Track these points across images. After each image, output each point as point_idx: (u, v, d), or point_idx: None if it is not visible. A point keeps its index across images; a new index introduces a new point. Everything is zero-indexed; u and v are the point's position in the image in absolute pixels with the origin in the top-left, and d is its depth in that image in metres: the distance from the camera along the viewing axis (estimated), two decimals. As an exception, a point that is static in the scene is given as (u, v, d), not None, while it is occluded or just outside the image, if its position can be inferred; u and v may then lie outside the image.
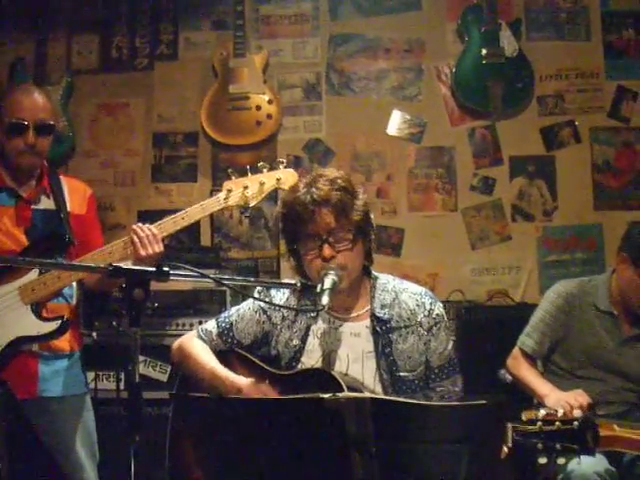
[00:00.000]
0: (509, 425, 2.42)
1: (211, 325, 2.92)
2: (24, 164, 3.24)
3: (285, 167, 3.22)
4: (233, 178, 3.24)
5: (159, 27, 5.49)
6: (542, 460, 2.39)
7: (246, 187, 3.20)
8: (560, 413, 2.39)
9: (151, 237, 3.13)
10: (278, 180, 3.19)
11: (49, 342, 3.16)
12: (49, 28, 5.35)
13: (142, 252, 3.09)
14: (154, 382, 4.25)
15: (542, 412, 2.42)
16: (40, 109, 3.22)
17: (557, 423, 2.36)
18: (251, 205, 3.23)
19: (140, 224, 3.18)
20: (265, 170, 3.22)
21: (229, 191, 3.22)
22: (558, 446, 2.36)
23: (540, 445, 2.37)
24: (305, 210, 2.66)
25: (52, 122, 3.28)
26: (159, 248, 3.13)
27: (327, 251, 2.64)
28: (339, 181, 2.70)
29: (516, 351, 3.55)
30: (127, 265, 2.17)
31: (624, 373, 3.43)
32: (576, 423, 2.35)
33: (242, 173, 3.26)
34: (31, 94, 3.25)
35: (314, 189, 2.66)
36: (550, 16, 5.27)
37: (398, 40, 5.34)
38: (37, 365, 3.19)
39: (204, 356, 2.81)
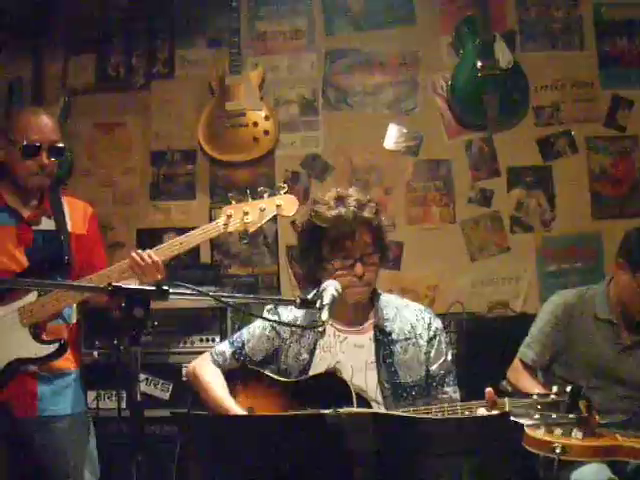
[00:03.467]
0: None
1: (224, 346, 3.05)
2: (35, 185, 3.27)
3: (286, 193, 3.20)
4: (233, 203, 3.23)
5: (155, 45, 5.51)
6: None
7: (246, 213, 3.18)
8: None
9: (151, 266, 3.14)
10: (278, 207, 3.17)
11: (47, 364, 3.16)
12: (46, 48, 5.37)
13: (144, 280, 3.11)
14: (156, 400, 4.24)
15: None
16: (51, 131, 3.27)
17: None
18: (250, 231, 3.21)
19: (140, 251, 3.18)
20: (265, 195, 3.20)
21: (229, 217, 3.20)
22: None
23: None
24: (348, 227, 2.83)
25: (63, 144, 3.32)
26: (161, 275, 3.15)
27: (359, 269, 2.83)
28: (373, 204, 2.92)
29: (516, 362, 3.56)
30: (127, 284, 2.17)
31: (625, 381, 3.43)
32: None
33: (242, 197, 3.25)
34: (40, 116, 3.29)
35: (355, 209, 2.84)
36: (544, 27, 5.28)
37: (393, 54, 5.35)
38: (36, 385, 3.20)
39: (218, 390, 2.90)
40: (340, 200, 2.87)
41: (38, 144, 3.21)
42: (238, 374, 2.93)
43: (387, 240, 2.96)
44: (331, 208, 2.87)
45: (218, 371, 2.97)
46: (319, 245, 2.90)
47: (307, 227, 2.96)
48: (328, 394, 2.33)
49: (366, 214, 2.85)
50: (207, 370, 2.97)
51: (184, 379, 3.07)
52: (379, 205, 2.96)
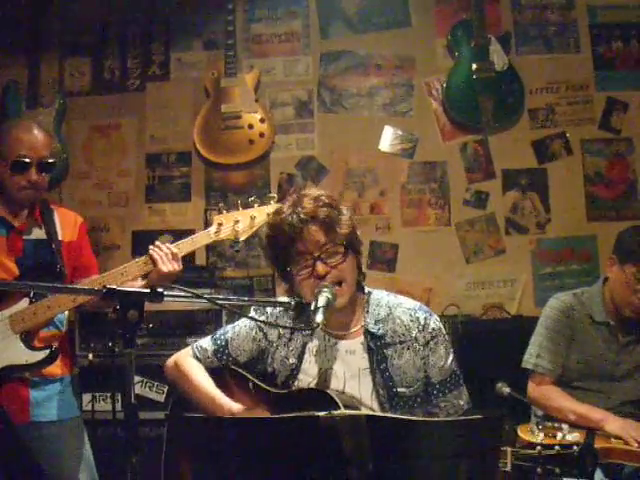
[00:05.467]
0: (508, 449, 2.43)
1: (206, 342, 2.91)
2: (24, 199, 3.28)
3: (276, 201, 3.27)
4: (224, 212, 3.30)
5: (150, 48, 5.51)
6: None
7: (237, 221, 3.27)
8: (559, 437, 2.39)
9: (169, 255, 3.22)
10: (269, 215, 3.20)
11: (39, 370, 3.17)
12: (41, 51, 5.37)
13: (164, 268, 3.18)
14: (151, 402, 4.24)
15: (541, 435, 2.42)
16: (41, 147, 3.27)
17: (556, 447, 2.37)
18: (241, 239, 3.29)
19: (158, 242, 3.26)
20: (256, 205, 3.28)
21: (220, 225, 3.29)
22: (557, 470, 2.36)
23: (539, 469, 2.37)
24: (293, 229, 2.64)
25: (53, 160, 3.32)
26: (179, 266, 3.24)
27: (320, 268, 2.63)
28: (323, 198, 2.70)
29: (537, 379, 3.50)
30: (120, 287, 2.17)
31: (622, 380, 3.42)
32: (576, 448, 2.35)
33: (233, 207, 3.32)
34: (31, 131, 3.28)
35: (300, 208, 2.66)
36: (539, 29, 5.30)
37: (389, 56, 5.36)
38: (28, 391, 3.20)
39: (199, 377, 2.81)
40: (296, 203, 2.69)
41: (27, 160, 3.21)
42: (217, 378, 2.86)
43: (349, 230, 2.69)
44: (278, 214, 2.73)
45: (200, 364, 2.86)
46: (276, 255, 2.75)
47: (268, 241, 2.79)
48: (314, 408, 2.26)
49: (309, 210, 2.64)
50: (190, 363, 2.86)
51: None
52: (334, 199, 2.73)
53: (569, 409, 3.31)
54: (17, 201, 3.28)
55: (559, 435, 2.41)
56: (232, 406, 2.67)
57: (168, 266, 3.19)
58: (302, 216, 2.64)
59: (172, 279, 3.19)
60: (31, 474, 3.21)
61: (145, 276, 3.28)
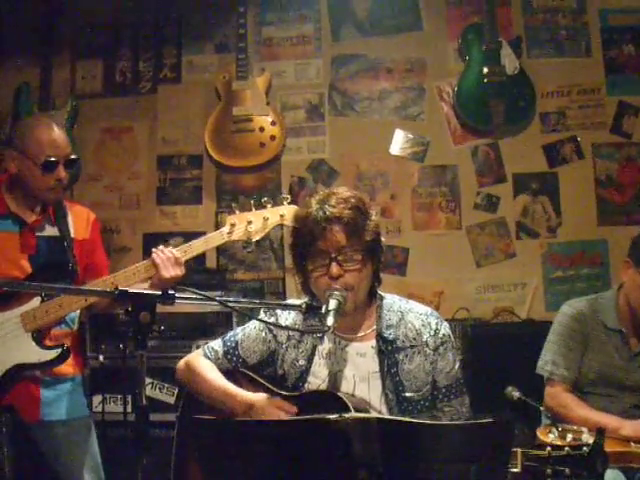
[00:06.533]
0: (519, 450, 2.41)
1: (217, 344, 2.92)
2: (53, 198, 3.29)
3: (289, 203, 3.25)
4: (237, 212, 3.28)
5: (162, 51, 5.53)
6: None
7: (250, 222, 3.24)
8: (569, 438, 2.38)
9: (172, 260, 3.21)
10: (282, 216, 3.23)
11: (50, 369, 3.18)
12: (53, 53, 5.39)
13: (165, 274, 3.17)
14: (161, 404, 4.25)
15: (552, 436, 2.41)
16: (66, 144, 3.28)
17: (566, 448, 2.34)
18: (254, 240, 3.27)
19: (161, 247, 3.25)
20: (269, 206, 3.25)
21: (232, 225, 3.26)
22: (567, 471, 2.34)
23: (549, 470, 2.36)
24: (317, 226, 2.63)
25: (75, 156, 3.34)
26: (181, 271, 3.22)
27: (335, 269, 2.62)
28: (352, 200, 2.68)
29: (553, 387, 3.47)
30: (133, 289, 2.18)
31: (634, 389, 3.41)
32: (585, 449, 2.33)
33: (245, 207, 3.30)
34: (54, 130, 3.27)
35: (327, 206, 2.65)
36: (550, 33, 5.30)
37: (400, 60, 5.37)
38: (39, 390, 3.20)
39: (212, 374, 2.80)
40: (325, 199, 2.68)
41: (55, 159, 3.21)
42: (229, 377, 2.83)
43: (373, 238, 2.68)
44: (306, 207, 2.72)
45: (213, 364, 2.85)
46: (296, 247, 2.76)
47: (291, 232, 2.84)
48: (324, 410, 2.25)
49: (336, 210, 2.62)
50: (202, 362, 2.86)
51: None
52: (364, 203, 2.71)
53: (584, 418, 3.27)
54: (45, 200, 3.28)
55: (569, 436, 2.40)
56: (251, 398, 2.66)
57: (170, 271, 3.18)
58: (328, 214, 2.63)
59: (173, 284, 3.17)
60: (39, 472, 3.22)
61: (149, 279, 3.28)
